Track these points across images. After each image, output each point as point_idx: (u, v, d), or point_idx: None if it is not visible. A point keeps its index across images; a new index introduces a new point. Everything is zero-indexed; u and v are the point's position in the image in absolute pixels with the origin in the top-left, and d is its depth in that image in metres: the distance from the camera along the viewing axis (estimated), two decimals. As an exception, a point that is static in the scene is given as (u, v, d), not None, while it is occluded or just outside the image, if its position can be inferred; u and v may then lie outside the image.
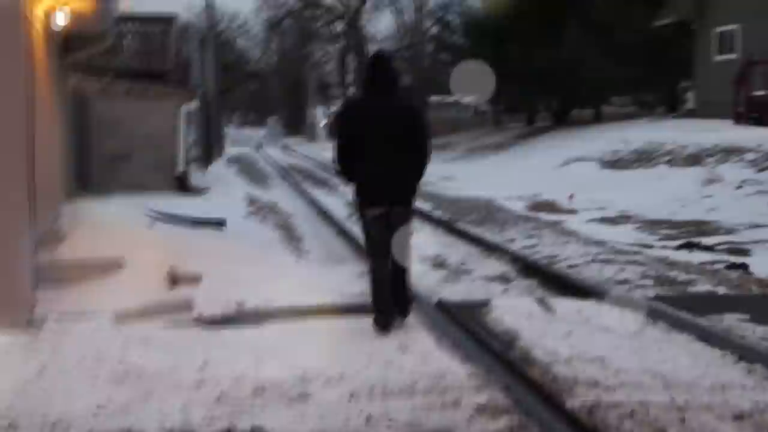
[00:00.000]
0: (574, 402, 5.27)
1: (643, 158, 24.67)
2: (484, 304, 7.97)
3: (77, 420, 5.01)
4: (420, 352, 6.28)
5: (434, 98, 68.14)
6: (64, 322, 6.24)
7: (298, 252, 13.07)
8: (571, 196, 19.02)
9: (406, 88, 58.65)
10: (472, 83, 37.18)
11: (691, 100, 35.82)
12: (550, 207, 18.60)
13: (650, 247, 12.85)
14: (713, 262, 11.12)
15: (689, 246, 12.63)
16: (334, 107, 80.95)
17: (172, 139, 20.12)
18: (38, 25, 9.60)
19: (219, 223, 13.93)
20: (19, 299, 7.43)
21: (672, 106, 38.46)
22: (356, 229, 7.52)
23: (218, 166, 33.47)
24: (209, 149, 34.31)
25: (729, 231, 14.07)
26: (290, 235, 14.94)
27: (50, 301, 8.02)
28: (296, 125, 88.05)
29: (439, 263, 11.93)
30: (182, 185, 20.20)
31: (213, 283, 8.71)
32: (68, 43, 13.36)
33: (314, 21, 77.32)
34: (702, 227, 14.68)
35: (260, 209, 18.27)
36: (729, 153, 21.19)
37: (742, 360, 6.05)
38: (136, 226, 12.19)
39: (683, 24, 32.31)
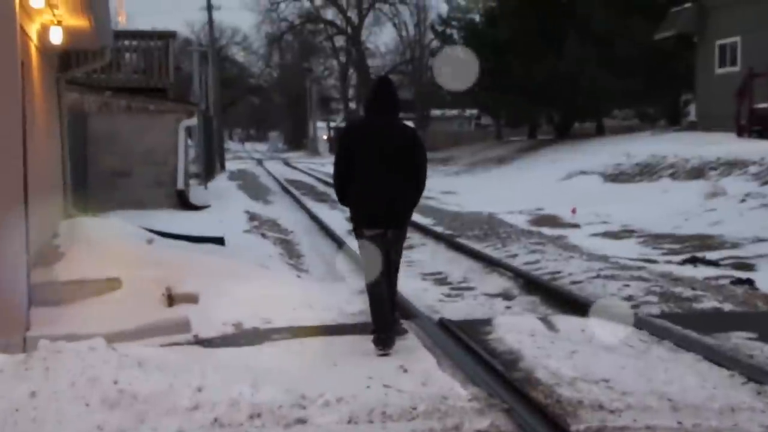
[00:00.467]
0: (579, 426, 5.13)
1: (646, 171, 24.55)
2: (486, 323, 7.86)
3: (68, 447, 4.87)
4: (421, 373, 6.14)
5: (436, 112, 68.21)
6: (58, 343, 6.09)
7: (298, 269, 12.94)
8: (573, 211, 18.89)
9: (408, 101, 58.74)
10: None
11: (692, 112, 35.72)
12: (553, 221, 18.48)
13: (654, 261, 12.71)
14: (718, 278, 10.97)
15: (694, 261, 12.48)
16: (336, 121, 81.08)
17: (172, 155, 20.00)
18: (34, 42, 9.50)
19: (218, 241, 13.79)
20: (13, 320, 7.32)
21: (674, 119, 38.38)
22: (356, 245, 7.39)
23: (219, 182, 33.39)
24: (210, 165, 34.24)
25: (734, 245, 13.92)
26: (290, 252, 14.82)
27: (45, 321, 7.90)
28: (298, 140, 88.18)
29: (440, 280, 11.81)
30: (182, 201, 20.07)
31: (211, 302, 8.58)
32: (66, 60, 13.29)
33: (315, 35, 77.54)
34: (706, 241, 14.54)
35: (261, 225, 18.15)
36: (732, 166, 21.05)
37: (750, 381, 5.90)
38: (134, 244, 12.04)
39: (684, 37, 32.23)
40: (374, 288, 7.08)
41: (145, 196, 18.93)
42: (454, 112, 68.56)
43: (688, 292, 9.63)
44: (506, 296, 10.28)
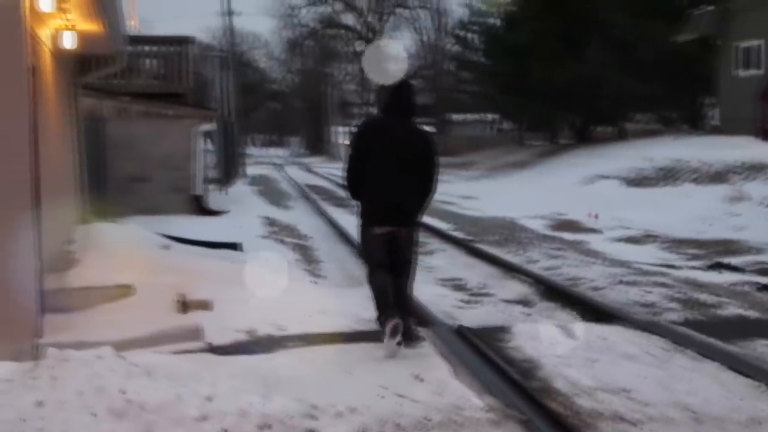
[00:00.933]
0: (598, 438, 4.97)
1: (668, 176, 24.29)
2: (504, 330, 7.72)
3: (73, 458, 4.76)
4: (435, 382, 6.00)
5: (456, 116, 67.99)
6: (65, 351, 5.98)
7: (315, 274, 12.81)
8: (594, 215, 18.69)
9: (428, 106, 58.60)
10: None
11: (715, 116, 35.38)
12: (573, 226, 18.28)
13: (677, 267, 12.51)
14: (743, 284, 10.77)
15: (717, 266, 12.27)
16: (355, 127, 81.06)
17: (190, 161, 19.94)
18: (48, 46, 9.43)
19: (234, 246, 13.70)
20: (23, 327, 7.22)
21: (695, 123, 38.04)
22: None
23: (239, 187, 33.34)
24: (230, 170, 34.21)
25: (758, 250, 13.69)
26: (308, 257, 14.70)
27: (56, 328, 7.80)
28: (317, 145, 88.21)
29: (458, 285, 11.65)
30: (200, 207, 20.01)
31: (225, 309, 8.48)
32: (82, 65, 13.23)
33: (334, 41, 77.53)
34: (729, 246, 14.31)
35: (278, 230, 18.06)
36: (756, 170, 20.78)
37: (777, 391, 5.73)
38: (149, 250, 11.97)
39: (706, 39, 31.93)
40: (375, 277, 7.12)
41: (163, 201, 18.86)
42: (475, 116, 68.36)
43: (711, 299, 9.44)
44: (525, 303, 10.11)
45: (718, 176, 21.82)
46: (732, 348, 6.92)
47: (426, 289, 10.28)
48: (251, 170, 48.98)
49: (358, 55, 77.25)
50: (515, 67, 38.75)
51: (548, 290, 10.40)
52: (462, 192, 28.01)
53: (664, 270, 12.01)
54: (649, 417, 5.27)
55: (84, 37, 9.77)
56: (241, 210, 21.90)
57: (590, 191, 25.48)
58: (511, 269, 12.04)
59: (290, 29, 75.61)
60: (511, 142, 53.38)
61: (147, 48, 21.36)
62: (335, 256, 14.93)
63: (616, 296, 9.92)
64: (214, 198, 22.80)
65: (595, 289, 10.55)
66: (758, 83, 27.57)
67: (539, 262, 13.17)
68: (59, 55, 10.42)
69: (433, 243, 15.08)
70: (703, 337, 7.21)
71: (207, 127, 20.60)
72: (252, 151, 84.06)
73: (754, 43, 29.38)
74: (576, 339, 7.31)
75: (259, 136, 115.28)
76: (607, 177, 26.86)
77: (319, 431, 5.17)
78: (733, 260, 12.73)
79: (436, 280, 12.13)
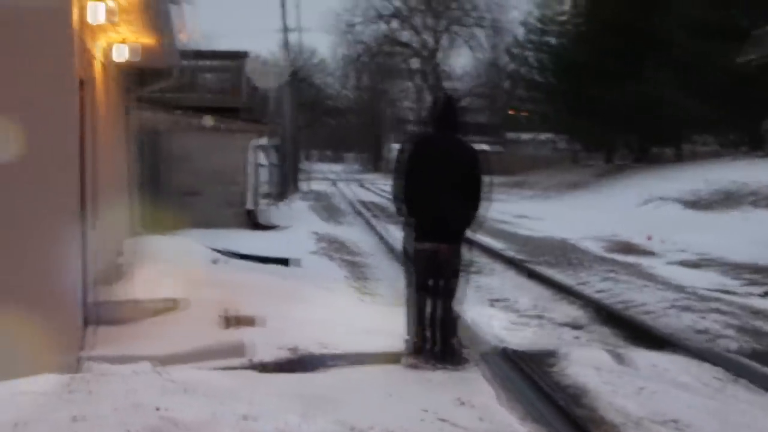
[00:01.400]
0: (645, 472, 4.78)
1: (727, 198, 23.81)
2: (551, 354, 7.53)
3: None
4: (479, 407, 5.85)
5: (511, 135, 67.66)
6: (103, 366, 5.97)
7: (362, 292, 12.70)
8: (649, 238, 18.36)
9: (483, 124, 58.38)
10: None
11: (775, 138, 34.68)
12: (628, 248, 17.96)
13: (733, 293, 12.18)
14: (802, 312, 10.43)
15: (775, 293, 11.93)
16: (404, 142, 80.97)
17: (242, 175, 20.03)
18: (100, 59, 9.49)
19: (283, 262, 13.67)
20: (67, 339, 7.21)
21: (756, 145, 37.30)
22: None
23: (292, 202, 33.45)
24: (284, 185, 34.36)
25: (820, 277, 13.30)
26: (356, 274, 14.60)
27: (102, 341, 7.79)
28: (373, 161, 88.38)
29: (507, 306, 11.46)
30: (252, 221, 20.07)
31: (269, 325, 8.42)
32: (136, 78, 13.34)
33: (391, 57, 77.68)
34: (789, 273, 13.92)
35: (329, 246, 18.01)
36: (818, 194, 20.29)
37: (836, 427, 5.49)
38: (197, 264, 11.98)
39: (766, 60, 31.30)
40: (415, 300, 7.10)
41: (215, 215, 18.95)
42: (529, 135, 68.01)
43: (768, 327, 9.16)
44: (575, 326, 9.90)
45: (779, 200, 21.35)
46: (789, 379, 6.67)
47: (474, 309, 10.11)
48: (306, 186, 49.17)
49: (414, 73, 77.31)
50: (573, 85, 38.42)
51: (599, 313, 10.18)
52: (517, 211, 27.76)
53: (721, 295, 11.70)
54: (699, 450, 5.08)
55: (136, 51, 9.82)
56: (294, 225, 21.91)
57: (646, 213, 25.10)
58: (562, 290, 11.84)
59: (347, 46, 75.97)
60: (567, 162, 52.94)
61: (202, 63, 21.54)
62: (385, 274, 14.80)
63: (669, 321, 9.67)
64: (267, 212, 22.86)
65: (648, 313, 10.31)
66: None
67: (591, 284, 12.93)
68: (112, 68, 10.49)
69: (485, 262, 14.90)
70: (759, 367, 6.96)
71: (261, 141, 20.66)
72: (307, 166, 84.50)
73: (818, 64, 28.73)
74: (626, 365, 7.11)
75: (315, 152, 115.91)
76: (663, 199, 26.44)
77: (356, 455, 5.05)
78: (793, 287, 12.37)
79: (485, 300, 11.95)
